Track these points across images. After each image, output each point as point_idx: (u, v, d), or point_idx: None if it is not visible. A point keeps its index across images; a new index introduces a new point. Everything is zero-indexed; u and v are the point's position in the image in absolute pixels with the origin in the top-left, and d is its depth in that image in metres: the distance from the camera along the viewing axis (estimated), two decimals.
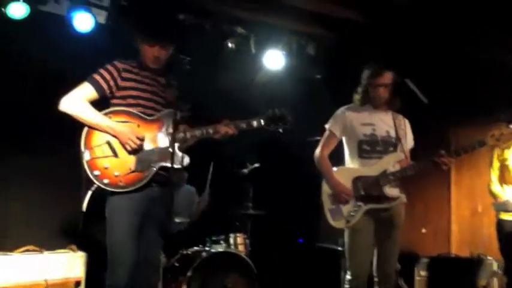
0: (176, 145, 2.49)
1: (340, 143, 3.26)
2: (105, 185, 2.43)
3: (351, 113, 3.19)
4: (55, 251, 3.70)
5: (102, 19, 4.21)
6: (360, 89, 3.21)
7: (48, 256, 3.62)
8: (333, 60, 5.27)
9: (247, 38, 4.82)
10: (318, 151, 3.23)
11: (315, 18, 4.90)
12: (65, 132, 2.70)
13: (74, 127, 2.52)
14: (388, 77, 3.11)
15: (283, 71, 5.10)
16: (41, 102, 3.70)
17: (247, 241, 4.40)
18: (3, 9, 3.69)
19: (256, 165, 4.74)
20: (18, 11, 3.75)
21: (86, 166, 2.42)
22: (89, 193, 2.43)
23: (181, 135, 2.58)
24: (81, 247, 3.81)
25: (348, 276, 3.08)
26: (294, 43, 5.06)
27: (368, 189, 3.03)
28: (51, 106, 2.62)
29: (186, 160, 2.57)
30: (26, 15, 3.78)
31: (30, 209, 4.16)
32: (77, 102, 2.51)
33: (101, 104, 2.60)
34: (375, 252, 3.11)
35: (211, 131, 2.64)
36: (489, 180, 3.71)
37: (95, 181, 2.42)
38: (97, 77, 2.57)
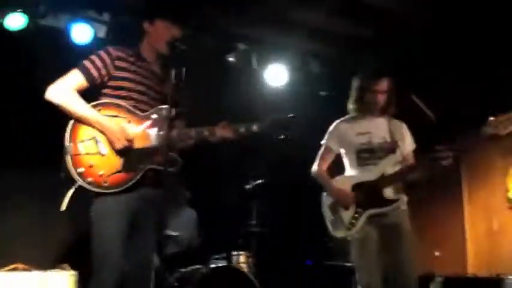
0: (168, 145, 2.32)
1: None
2: (88, 183, 2.26)
3: (345, 124, 3.17)
4: (45, 270, 3.47)
5: (102, 33, 4.20)
6: (354, 97, 3.14)
7: (36, 275, 3.36)
8: (338, 76, 5.16)
9: (248, 54, 4.76)
10: (315, 166, 3.22)
11: (318, 34, 4.83)
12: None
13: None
14: (384, 84, 3.06)
15: (286, 87, 4.99)
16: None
17: (251, 260, 4.17)
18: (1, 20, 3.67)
19: (260, 181, 4.57)
20: (15, 22, 3.72)
21: (69, 162, 2.26)
22: (70, 192, 2.24)
23: (174, 134, 2.40)
24: (74, 266, 3.62)
25: None
26: (297, 59, 4.99)
27: (367, 194, 2.95)
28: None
29: (179, 162, 2.41)
30: (23, 27, 3.74)
31: (24, 227, 4.03)
32: (64, 91, 2.34)
33: (91, 93, 2.43)
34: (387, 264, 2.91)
35: (206, 133, 2.44)
36: (506, 188, 3.51)
37: (77, 179, 2.24)
38: (88, 64, 2.41)
